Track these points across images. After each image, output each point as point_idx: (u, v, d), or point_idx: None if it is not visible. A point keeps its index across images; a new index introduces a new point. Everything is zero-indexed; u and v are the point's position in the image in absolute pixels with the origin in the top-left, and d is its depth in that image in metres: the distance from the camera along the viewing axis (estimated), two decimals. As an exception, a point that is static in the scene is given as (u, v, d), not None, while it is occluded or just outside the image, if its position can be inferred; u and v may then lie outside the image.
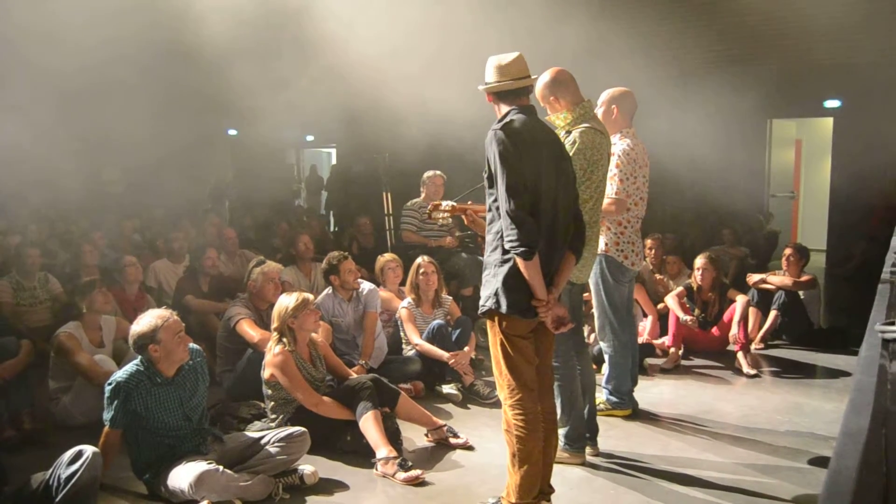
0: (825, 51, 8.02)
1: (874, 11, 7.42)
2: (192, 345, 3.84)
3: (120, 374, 3.64)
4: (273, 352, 4.28)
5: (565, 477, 3.55)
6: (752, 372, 5.69)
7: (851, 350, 6.25)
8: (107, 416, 3.59)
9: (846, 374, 5.81)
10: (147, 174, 11.44)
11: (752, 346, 6.32)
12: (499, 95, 3.22)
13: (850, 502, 0.91)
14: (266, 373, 4.31)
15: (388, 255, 6.44)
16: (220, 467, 3.56)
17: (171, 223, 9.64)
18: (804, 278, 6.70)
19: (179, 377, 3.73)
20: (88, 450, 3.26)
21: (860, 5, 7.60)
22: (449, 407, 5.14)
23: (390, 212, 8.44)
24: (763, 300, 6.78)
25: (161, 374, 3.66)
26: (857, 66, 7.37)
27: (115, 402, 3.56)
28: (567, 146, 3.73)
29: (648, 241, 7.05)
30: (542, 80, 3.89)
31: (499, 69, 3.20)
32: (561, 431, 4.05)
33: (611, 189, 4.39)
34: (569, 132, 3.79)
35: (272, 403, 4.34)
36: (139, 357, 3.71)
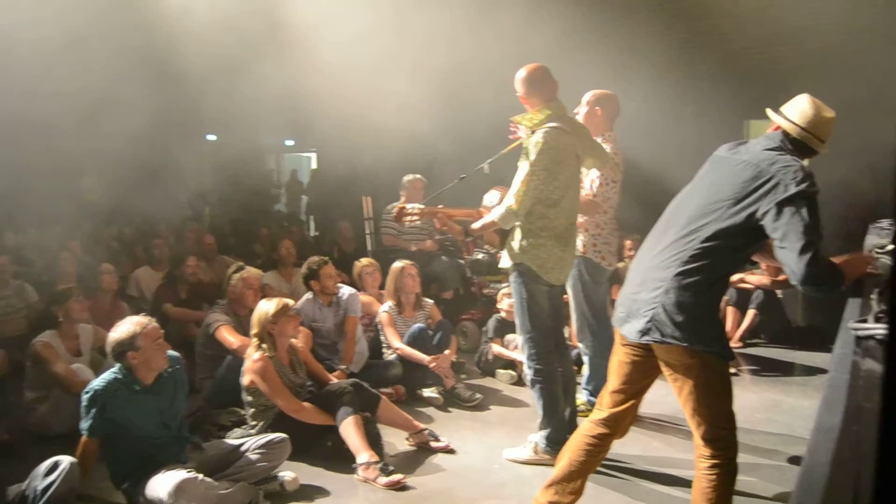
0: (802, 52, 8.10)
1: (853, 12, 7.50)
2: (171, 352, 3.80)
3: (97, 383, 3.59)
4: (253, 358, 4.25)
5: (546, 478, 3.54)
6: (731, 370, 5.73)
7: (828, 348, 6.23)
8: (84, 425, 3.54)
9: (823, 371, 5.86)
10: (125, 181, 11.33)
11: (731, 345, 6.36)
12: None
13: (821, 498, 0.92)
14: (246, 379, 4.28)
15: (364, 260, 6.42)
16: (200, 475, 3.52)
17: (150, 230, 9.56)
18: (781, 277, 6.69)
19: (158, 385, 3.69)
20: (65, 460, 3.22)
21: (838, 7, 7.69)
22: (430, 410, 5.13)
23: (370, 216, 8.42)
24: (741, 299, 6.84)
25: (139, 381, 3.62)
26: (834, 67, 7.44)
27: (93, 411, 3.51)
28: (530, 147, 3.75)
29: (628, 242, 7.09)
30: (517, 77, 3.91)
31: None
32: (542, 433, 4.07)
33: (589, 189, 4.42)
34: (533, 132, 3.80)
35: (252, 410, 4.31)
36: (117, 365, 3.66)
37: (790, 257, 2.47)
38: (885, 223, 4.20)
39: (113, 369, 3.66)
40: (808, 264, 2.42)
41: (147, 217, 10.66)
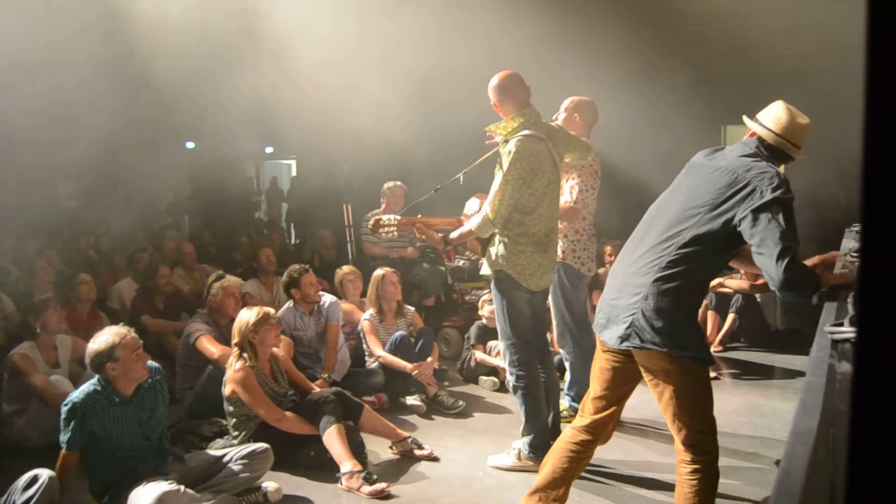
0: (779, 57, 8.20)
1: (826, 20, 7.62)
2: (151, 362, 3.77)
3: (76, 395, 3.55)
4: (234, 368, 4.23)
5: (530, 484, 3.55)
6: (712, 374, 5.77)
7: (807, 351, 6.35)
8: (63, 437, 3.49)
9: (803, 374, 5.91)
10: (103, 190, 11.26)
11: (711, 349, 6.42)
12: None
13: (799, 502, 0.93)
14: (227, 389, 4.25)
15: (346, 268, 6.41)
16: (182, 487, 3.49)
17: (129, 239, 9.48)
18: (760, 282, 6.81)
19: (138, 396, 3.66)
20: (44, 474, 3.19)
21: (812, 15, 7.80)
22: (413, 418, 5.13)
23: (351, 223, 8.41)
24: (721, 303, 6.90)
25: (119, 393, 3.58)
26: (810, 72, 7.55)
27: (72, 424, 3.47)
28: (504, 156, 3.77)
29: (608, 248, 7.12)
30: (490, 84, 3.92)
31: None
32: (525, 440, 4.07)
33: (569, 196, 4.44)
34: (507, 141, 3.82)
35: (234, 420, 4.28)
36: (96, 376, 3.63)
37: (768, 263, 2.50)
38: (859, 227, 4.26)
39: (92, 381, 3.62)
40: (786, 269, 2.46)
41: (125, 226, 10.57)
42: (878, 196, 0.54)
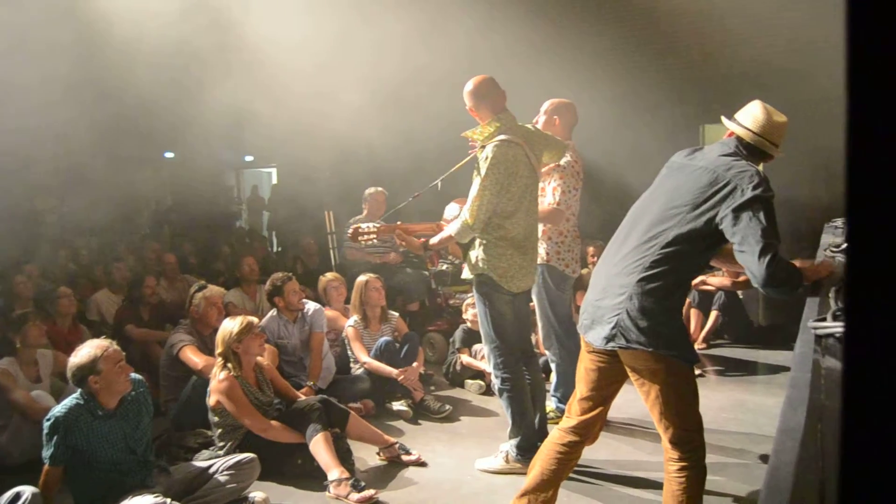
0: (756, 55, 8.28)
1: (802, 20, 7.69)
2: (134, 375, 3.73)
3: (58, 409, 3.50)
4: (218, 378, 4.19)
5: (518, 487, 3.55)
6: (697, 372, 5.81)
7: (790, 346, 6.41)
8: (46, 453, 3.45)
9: (786, 369, 5.96)
10: (82, 201, 11.15)
11: (696, 347, 6.45)
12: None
13: (788, 499, 0.94)
14: (212, 399, 4.22)
15: (330, 275, 6.39)
16: (168, 500, 3.45)
17: (109, 251, 9.40)
18: (742, 278, 6.86)
19: (122, 409, 3.62)
20: (27, 491, 3.14)
21: (788, 14, 7.87)
22: (400, 424, 5.11)
23: (333, 230, 8.39)
24: (704, 301, 6.94)
25: (102, 406, 3.54)
26: (787, 70, 7.62)
27: (55, 439, 3.43)
28: (481, 161, 3.78)
29: (590, 249, 7.15)
30: (465, 89, 3.93)
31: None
32: (512, 442, 4.07)
33: (552, 198, 4.45)
34: (484, 146, 3.83)
35: (219, 431, 4.25)
36: (78, 390, 3.59)
37: (750, 260, 2.52)
38: (838, 222, 4.31)
39: (74, 395, 3.58)
40: (768, 266, 2.48)
41: (105, 238, 10.48)
42: (864, 188, 0.55)
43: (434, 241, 4.09)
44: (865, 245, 0.56)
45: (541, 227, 4.36)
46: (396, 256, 7.26)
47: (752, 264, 2.52)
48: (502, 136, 3.80)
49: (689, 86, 8.83)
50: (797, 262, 2.72)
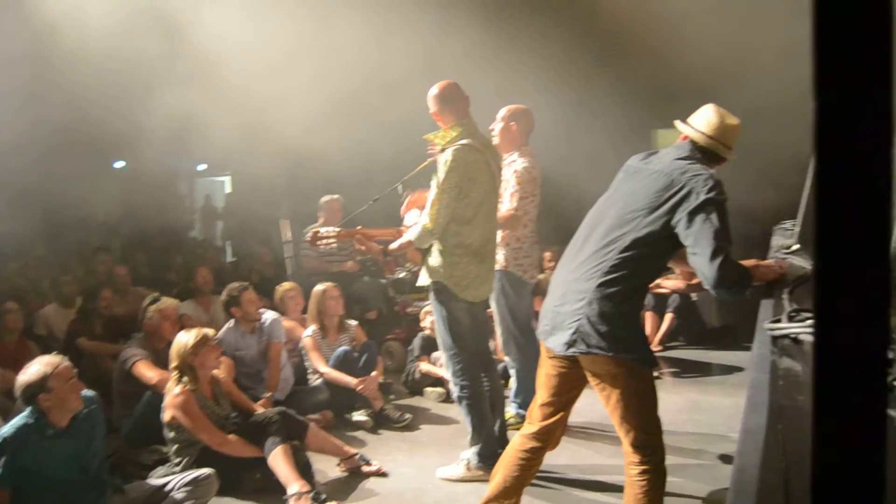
0: (704, 62, 8.43)
1: (752, 26, 7.86)
2: (87, 391, 3.63)
3: (6, 429, 3.38)
4: (173, 392, 4.10)
5: (480, 494, 3.55)
6: (654, 374, 5.87)
7: (743, 346, 6.56)
8: (-7, 475, 3.34)
9: (739, 369, 6.08)
10: (28, 213, 10.85)
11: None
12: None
13: (755, 499, 0.94)
14: (167, 415, 4.13)
15: (287, 284, 6.32)
16: (123, 519, 3.38)
17: (58, 264, 9.16)
18: (695, 281, 6.94)
19: (73, 427, 3.51)
20: (-26, 514, 3.03)
21: (738, 20, 8.04)
22: (360, 434, 5.07)
23: (289, 239, 8.30)
24: (658, 304, 7.03)
25: (53, 425, 3.43)
26: (737, 75, 7.77)
27: (2, 460, 3.30)
28: (440, 165, 3.78)
29: (547, 254, 7.19)
30: (429, 94, 3.93)
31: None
32: (473, 450, 4.07)
33: (509, 204, 4.47)
34: (444, 150, 3.83)
35: (175, 446, 4.15)
36: (28, 409, 3.48)
37: (702, 263, 2.56)
38: (788, 224, 4.40)
39: (23, 414, 3.46)
40: (719, 269, 2.51)
41: (53, 250, 10.23)
42: (831, 190, 0.55)
43: (394, 245, 4.08)
44: (833, 248, 0.56)
45: (499, 233, 4.37)
46: (354, 265, 7.22)
47: (703, 267, 2.56)
48: (464, 141, 3.80)
49: (639, 91, 8.96)
50: (747, 262, 2.77)
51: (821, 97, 0.55)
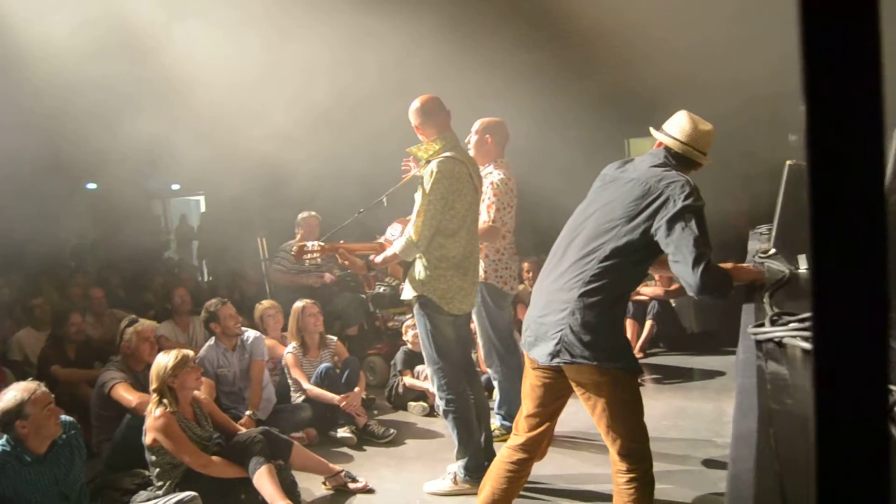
0: (675, 70, 8.53)
1: (721, 34, 7.96)
2: (65, 417, 3.58)
3: (-17, 458, 3.33)
4: (154, 415, 4.04)
5: (469, 508, 3.56)
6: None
7: (723, 351, 6.61)
8: (-30, 506, 3.28)
9: (721, 373, 6.12)
10: (2, 238, 10.70)
11: (633, 357, 6.56)
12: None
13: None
14: (148, 438, 4.06)
15: (266, 303, 6.28)
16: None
17: (31, 287, 9.02)
18: (674, 287, 7.04)
19: (52, 453, 3.46)
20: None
21: (707, 29, 8.14)
22: (345, 451, 5.03)
23: (266, 257, 8.25)
24: (638, 311, 7.07)
25: (31, 451, 3.38)
26: (711, 84, 7.87)
27: (-20, 489, 3.26)
28: (425, 177, 3.79)
29: (525, 265, 7.22)
30: (411, 107, 3.95)
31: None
32: (460, 463, 4.05)
33: (487, 216, 4.48)
34: (428, 162, 3.85)
35: (157, 470, 4.09)
36: (5, 436, 3.41)
37: (684, 270, 2.58)
38: (763, 228, 4.45)
39: (0, 441, 3.40)
40: (703, 276, 2.54)
41: (27, 273, 10.07)
42: (826, 192, 0.55)
43: (378, 259, 4.07)
44: (829, 250, 0.56)
45: (477, 245, 4.38)
46: (331, 276, 7.18)
47: (686, 275, 2.58)
48: (448, 153, 3.82)
49: (612, 101, 9.04)
50: (725, 265, 2.79)
51: (811, 100, 0.55)
